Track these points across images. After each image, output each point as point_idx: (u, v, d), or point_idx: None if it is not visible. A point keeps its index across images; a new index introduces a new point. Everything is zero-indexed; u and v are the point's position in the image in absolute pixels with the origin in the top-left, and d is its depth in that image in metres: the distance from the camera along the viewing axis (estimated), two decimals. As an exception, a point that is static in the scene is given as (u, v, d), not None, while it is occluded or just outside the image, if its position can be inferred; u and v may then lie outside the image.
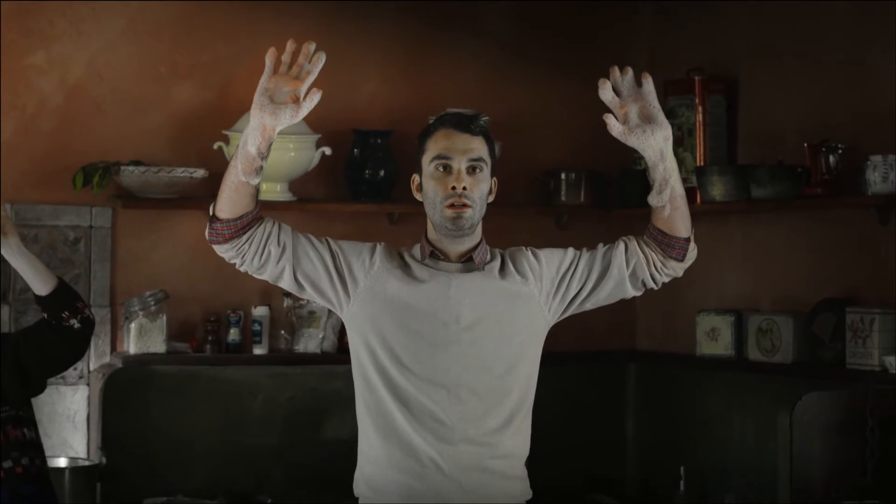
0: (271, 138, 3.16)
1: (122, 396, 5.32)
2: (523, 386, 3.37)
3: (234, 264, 3.31)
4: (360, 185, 5.69)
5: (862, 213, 5.03)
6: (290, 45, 3.14)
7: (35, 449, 4.09)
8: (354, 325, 3.35)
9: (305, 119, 5.44)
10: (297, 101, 3.14)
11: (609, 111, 3.25)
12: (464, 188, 3.28)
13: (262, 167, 3.19)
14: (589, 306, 3.44)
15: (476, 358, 3.31)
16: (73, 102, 5.48)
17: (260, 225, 3.27)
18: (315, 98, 3.13)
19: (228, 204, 3.23)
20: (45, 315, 4.08)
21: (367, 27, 5.84)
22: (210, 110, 5.58)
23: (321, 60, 3.13)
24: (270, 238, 3.29)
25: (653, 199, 3.33)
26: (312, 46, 3.14)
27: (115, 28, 5.53)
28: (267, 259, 3.29)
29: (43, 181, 5.40)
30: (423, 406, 3.28)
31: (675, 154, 5.56)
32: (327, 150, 5.53)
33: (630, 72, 3.26)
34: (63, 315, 4.06)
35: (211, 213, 3.26)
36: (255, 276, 3.34)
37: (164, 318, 5.41)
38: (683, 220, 3.36)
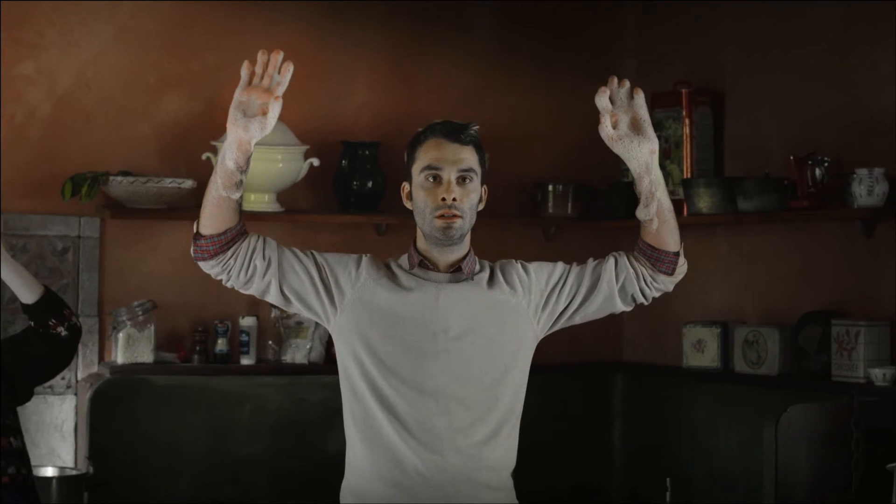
0: (248, 152, 3.16)
1: (109, 406, 5.32)
2: (511, 397, 3.37)
3: (221, 280, 3.31)
4: (347, 197, 5.70)
5: (848, 225, 5.05)
6: (260, 57, 3.15)
7: (21, 458, 4.09)
8: (342, 336, 3.35)
9: (293, 130, 5.51)
10: (266, 113, 3.14)
11: (599, 116, 3.28)
12: (454, 199, 3.29)
13: (241, 181, 3.19)
14: (578, 320, 3.44)
15: (464, 368, 3.31)
16: (61, 112, 5.48)
17: (244, 240, 3.27)
18: (276, 108, 3.14)
19: (211, 220, 3.23)
20: (32, 323, 4.09)
21: (355, 39, 5.86)
22: (199, 121, 5.59)
23: (289, 70, 3.14)
24: (255, 252, 3.29)
25: (640, 213, 3.34)
26: (280, 56, 3.14)
27: (104, 38, 5.53)
28: (253, 273, 3.29)
29: (31, 191, 5.41)
30: (411, 415, 3.29)
31: (662, 166, 5.62)
32: (315, 162, 5.54)
33: (627, 84, 3.28)
34: (50, 323, 4.07)
35: (195, 230, 3.26)
36: (241, 291, 3.33)
37: (152, 328, 5.41)
38: (672, 234, 3.37)
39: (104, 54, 5.54)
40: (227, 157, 3.17)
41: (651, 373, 5.96)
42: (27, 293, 4.07)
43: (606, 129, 3.25)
